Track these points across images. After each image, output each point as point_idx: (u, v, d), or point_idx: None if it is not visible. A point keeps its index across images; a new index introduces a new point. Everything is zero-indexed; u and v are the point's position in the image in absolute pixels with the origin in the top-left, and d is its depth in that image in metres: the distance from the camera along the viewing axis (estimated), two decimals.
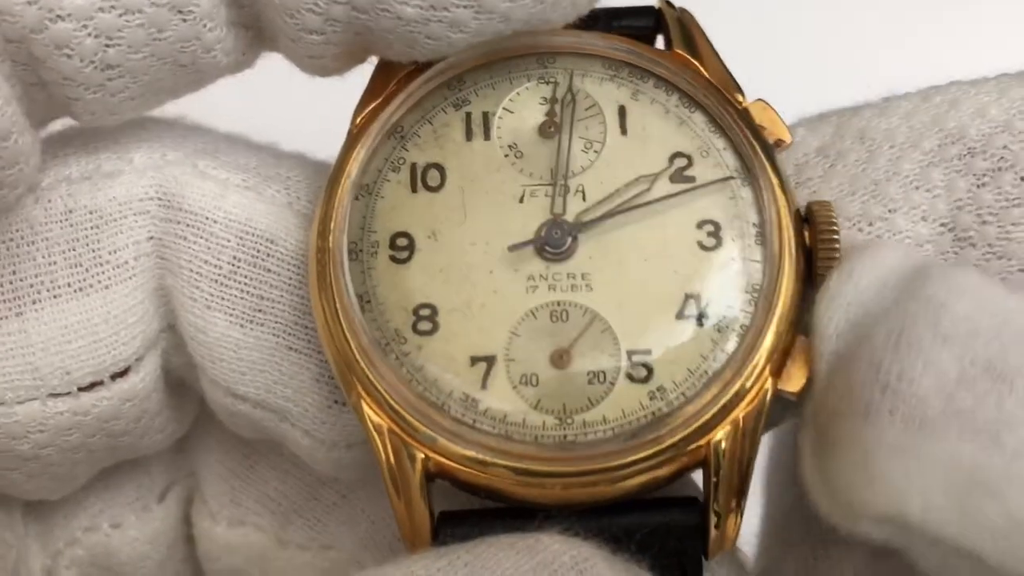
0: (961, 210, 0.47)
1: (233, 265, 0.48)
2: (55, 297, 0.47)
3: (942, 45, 0.79)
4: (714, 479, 0.44)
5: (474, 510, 0.46)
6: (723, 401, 0.44)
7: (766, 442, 0.50)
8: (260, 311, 0.48)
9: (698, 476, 0.46)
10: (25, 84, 0.44)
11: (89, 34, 0.42)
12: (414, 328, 0.45)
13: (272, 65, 0.48)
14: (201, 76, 0.46)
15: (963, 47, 0.77)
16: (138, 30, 0.42)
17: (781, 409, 0.47)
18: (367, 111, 0.48)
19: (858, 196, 0.47)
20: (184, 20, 0.43)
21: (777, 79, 0.51)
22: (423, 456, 0.44)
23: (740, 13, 0.52)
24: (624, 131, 0.48)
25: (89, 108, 0.45)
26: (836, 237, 0.46)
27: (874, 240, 0.47)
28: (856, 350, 0.43)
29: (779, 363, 0.45)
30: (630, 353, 0.45)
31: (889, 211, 0.47)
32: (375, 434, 0.45)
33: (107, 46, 0.42)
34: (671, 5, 0.50)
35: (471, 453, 0.44)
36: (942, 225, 0.47)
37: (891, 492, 0.41)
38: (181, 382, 0.51)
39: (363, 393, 0.45)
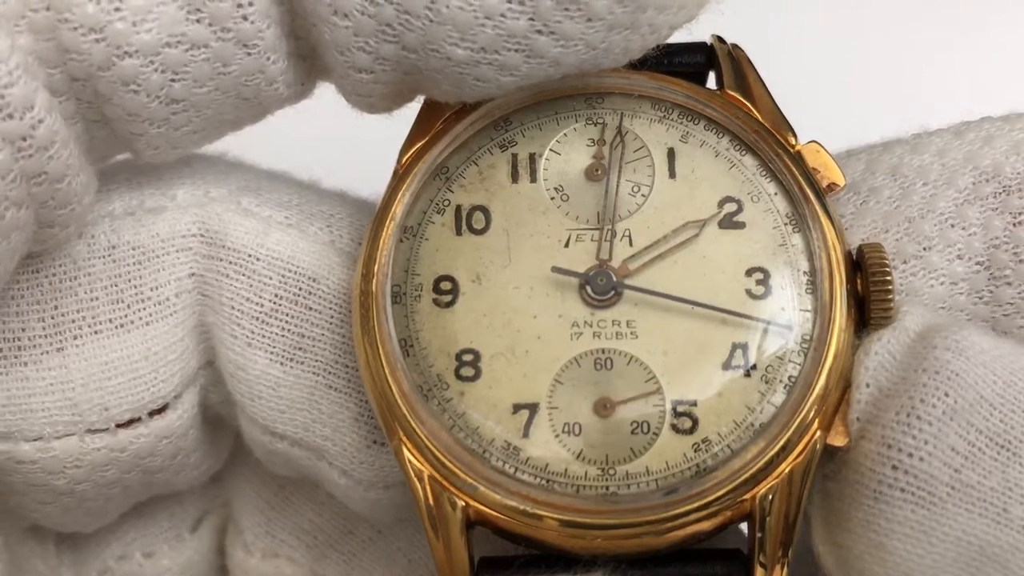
0: (998, 248, 0.46)
1: (275, 303, 0.47)
2: (96, 333, 0.47)
3: (965, 75, 0.79)
4: (759, 534, 0.43)
5: (515, 556, 0.45)
6: (770, 455, 0.43)
7: None
8: (301, 349, 0.48)
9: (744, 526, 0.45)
10: (87, 122, 0.43)
11: (156, 69, 0.42)
12: (457, 374, 0.45)
13: (316, 100, 0.48)
14: (263, 108, 0.46)
15: (987, 77, 0.76)
16: (204, 64, 0.42)
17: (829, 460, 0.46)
18: (413, 151, 0.47)
19: (891, 233, 0.47)
20: (249, 54, 0.42)
21: (808, 111, 0.50)
22: (463, 503, 0.44)
23: (765, 43, 0.51)
24: (673, 174, 0.47)
25: (153, 143, 0.45)
26: (889, 286, 0.45)
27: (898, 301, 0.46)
28: (868, 426, 0.43)
29: (829, 416, 0.44)
30: (675, 403, 0.44)
31: (924, 249, 0.46)
32: (415, 479, 0.44)
33: (173, 81, 0.42)
34: (723, 41, 0.50)
35: (512, 503, 0.43)
36: (978, 264, 0.46)
37: (903, 570, 0.42)
38: (218, 419, 0.51)
39: (404, 438, 0.44)
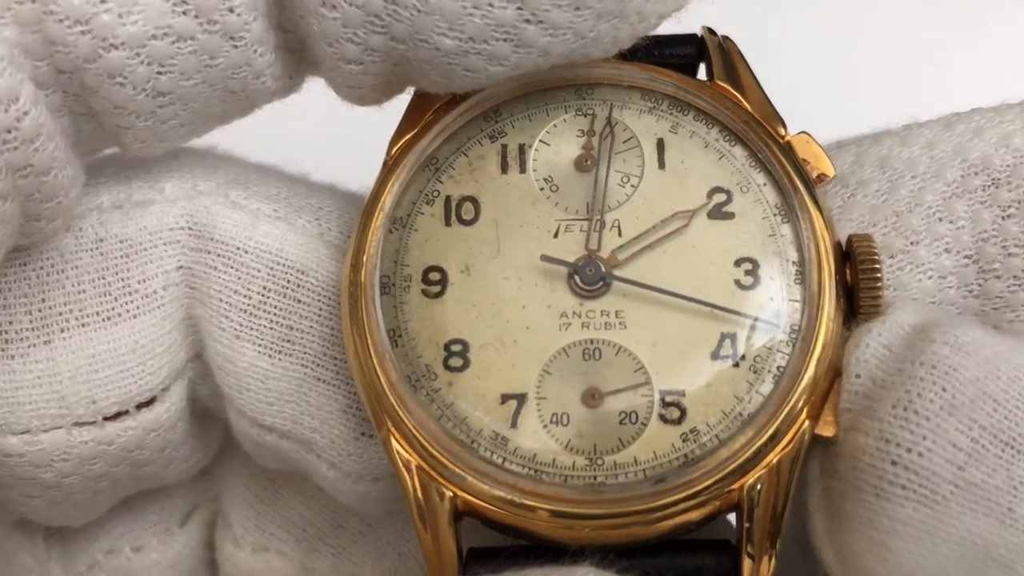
0: (986, 242, 0.46)
1: (263, 295, 0.47)
2: (83, 326, 0.47)
3: (961, 73, 0.79)
4: (747, 524, 0.43)
5: (503, 547, 0.45)
6: (758, 445, 0.43)
7: None
8: (289, 341, 0.47)
9: (732, 516, 0.45)
10: (73, 115, 0.43)
11: (142, 62, 0.42)
12: (445, 364, 0.45)
13: (305, 94, 0.47)
14: (251, 102, 0.46)
15: (982, 75, 0.76)
16: (190, 57, 0.42)
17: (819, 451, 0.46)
18: (402, 142, 0.47)
19: (879, 228, 0.47)
20: (235, 46, 0.42)
21: (801, 103, 0.50)
22: (451, 494, 0.44)
23: (758, 35, 0.51)
24: (662, 165, 0.47)
25: (139, 136, 0.44)
26: (878, 275, 0.45)
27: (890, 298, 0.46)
28: (863, 419, 0.43)
29: (817, 406, 0.44)
30: (663, 393, 0.44)
31: (911, 243, 0.46)
32: (403, 470, 0.44)
33: (159, 73, 0.42)
34: (713, 33, 0.50)
35: (500, 493, 0.43)
36: (966, 257, 0.46)
37: (905, 570, 0.41)
38: (207, 412, 0.51)
39: (392, 429, 0.44)
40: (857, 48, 0.84)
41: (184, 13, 0.41)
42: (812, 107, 0.51)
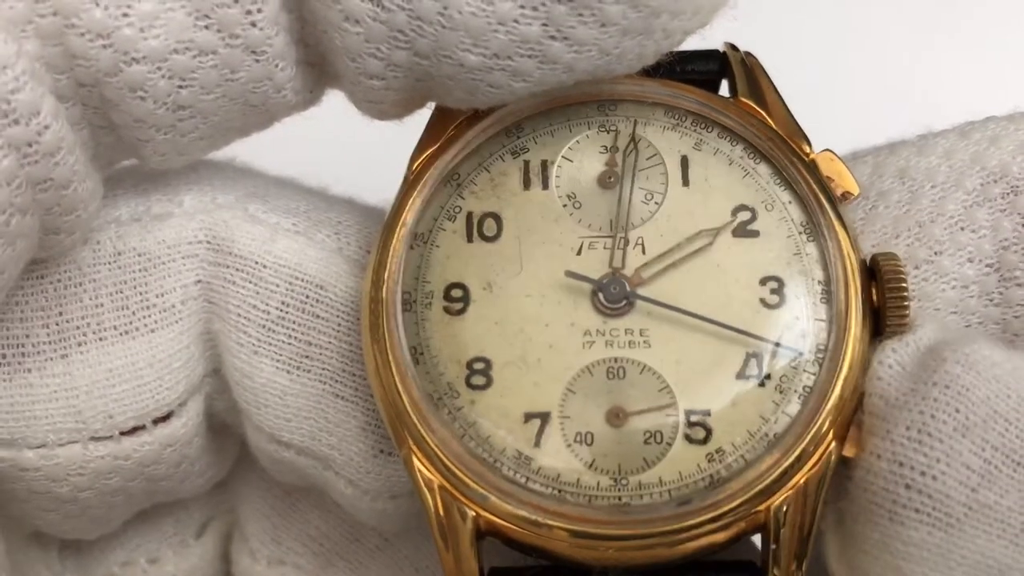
0: (1007, 250, 0.46)
1: (281, 310, 0.47)
2: (101, 339, 0.46)
3: (965, 75, 0.79)
4: (773, 546, 0.43)
5: (525, 568, 0.45)
6: (784, 466, 0.43)
7: None
8: (308, 357, 0.47)
9: (757, 538, 0.45)
10: (93, 128, 0.43)
11: (163, 76, 0.41)
12: (467, 382, 0.44)
13: (324, 107, 0.47)
14: (271, 115, 0.45)
15: (985, 76, 0.76)
16: (211, 71, 0.42)
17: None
18: (424, 157, 0.47)
19: (902, 239, 0.47)
20: (257, 60, 0.42)
21: (816, 115, 0.50)
22: (474, 514, 0.43)
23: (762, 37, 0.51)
24: (686, 182, 0.46)
25: (159, 149, 0.44)
26: (905, 295, 0.44)
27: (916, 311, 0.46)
28: (875, 440, 0.42)
29: (844, 427, 0.44)
30: (688, 413, 0.44)
31: (935, 253, 0.46)
32: (425, 489, 0.44)
33: (180, 87, 0.42)
34: (736, 48, 0.49)
35: (523, 513, 0.43)
36: (988, 266, 0.46)
37: None
38: (223, 427, 0.51)
39: (414, 447, 0.44)
40: (870, 57, 0.84)
41: (206, 27, 0.41)
42: (825, 117, 0.50)
